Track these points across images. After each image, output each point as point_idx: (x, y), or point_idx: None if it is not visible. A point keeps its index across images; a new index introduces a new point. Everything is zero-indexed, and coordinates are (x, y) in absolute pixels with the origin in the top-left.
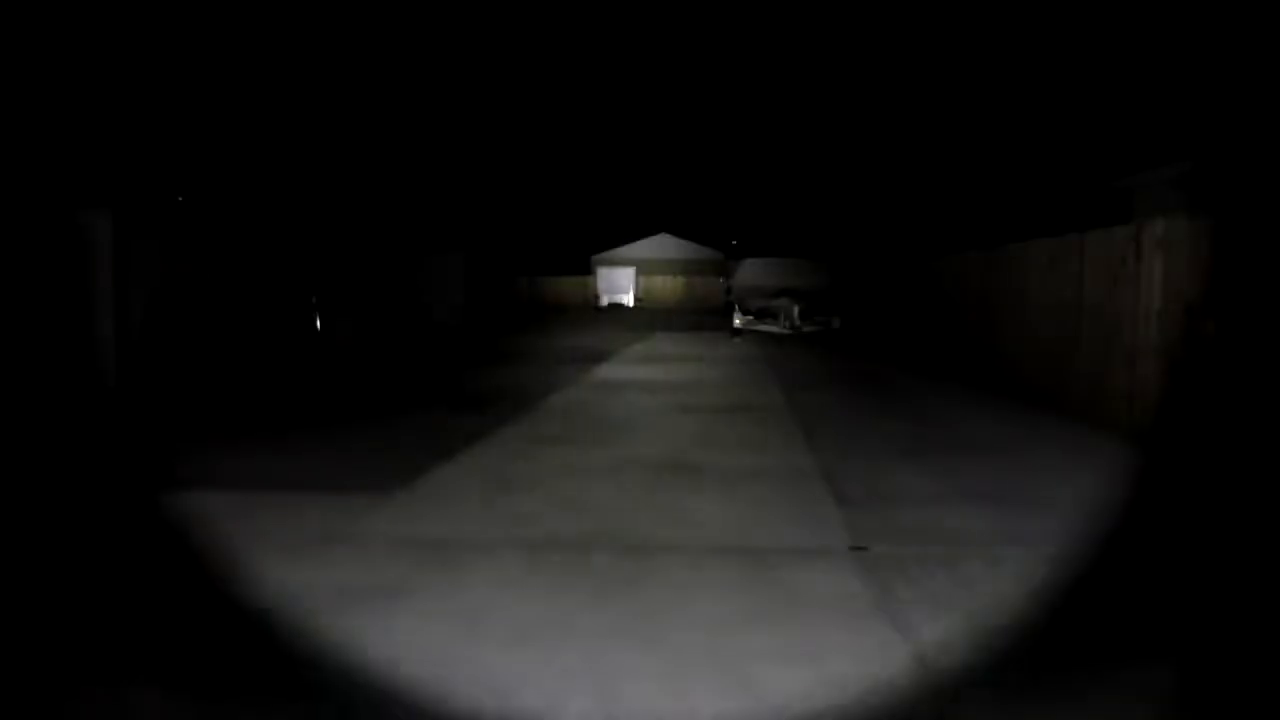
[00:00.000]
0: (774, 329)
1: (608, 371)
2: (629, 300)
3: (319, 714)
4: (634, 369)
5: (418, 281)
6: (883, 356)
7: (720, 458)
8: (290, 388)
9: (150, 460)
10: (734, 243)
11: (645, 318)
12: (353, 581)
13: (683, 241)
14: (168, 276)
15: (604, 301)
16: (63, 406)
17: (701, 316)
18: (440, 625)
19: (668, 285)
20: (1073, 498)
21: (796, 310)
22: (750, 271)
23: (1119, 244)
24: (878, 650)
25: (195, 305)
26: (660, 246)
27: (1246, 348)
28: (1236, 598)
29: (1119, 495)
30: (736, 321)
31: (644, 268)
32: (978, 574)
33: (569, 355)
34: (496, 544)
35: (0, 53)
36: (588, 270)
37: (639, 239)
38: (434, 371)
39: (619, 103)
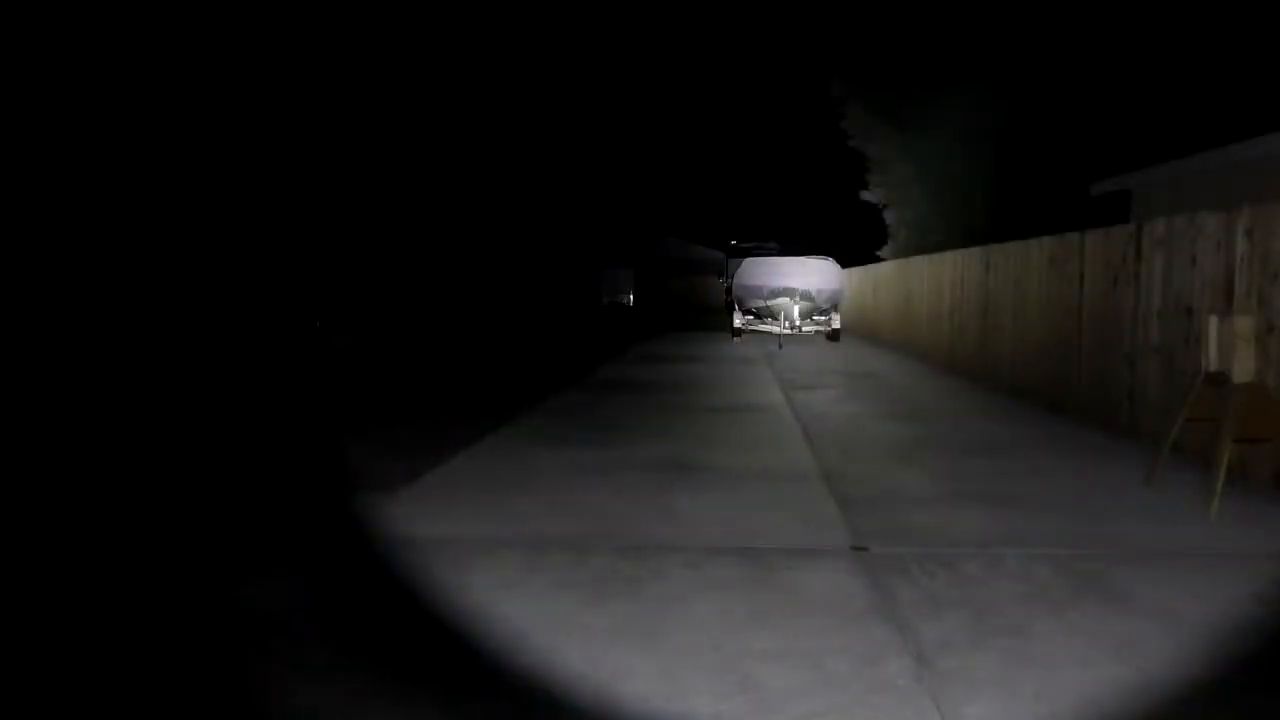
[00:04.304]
0: (774, 329)
1: (612, 370)
2: (629, 301)
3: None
4: (642, 368)
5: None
6: (882, 356)
7: (721, 458)
8: None
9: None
10: (734, 243)
11: (646, 319)
12: None
13: (683, 241)
14: None
15: (604, 301)
16: None
17: (702, 316)
18: None
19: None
20: (1073, 498)
21: (796, 310)
22: (750, 271)
23: (1119, 243)
24: (878, 651)
25: None
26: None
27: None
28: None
29: (1119, 495)
30: (737, 321)
31: None
32: (978, 574)
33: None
34: None
35: None
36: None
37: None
38: None
39: (619, 103)
